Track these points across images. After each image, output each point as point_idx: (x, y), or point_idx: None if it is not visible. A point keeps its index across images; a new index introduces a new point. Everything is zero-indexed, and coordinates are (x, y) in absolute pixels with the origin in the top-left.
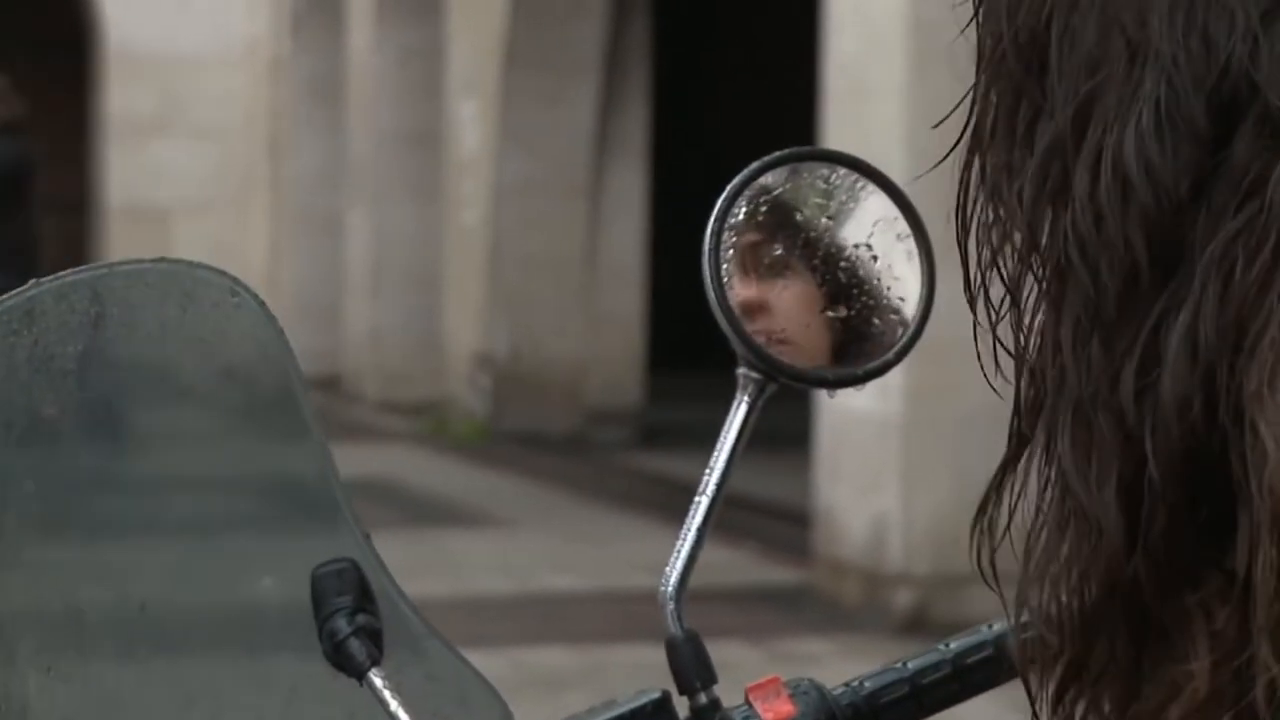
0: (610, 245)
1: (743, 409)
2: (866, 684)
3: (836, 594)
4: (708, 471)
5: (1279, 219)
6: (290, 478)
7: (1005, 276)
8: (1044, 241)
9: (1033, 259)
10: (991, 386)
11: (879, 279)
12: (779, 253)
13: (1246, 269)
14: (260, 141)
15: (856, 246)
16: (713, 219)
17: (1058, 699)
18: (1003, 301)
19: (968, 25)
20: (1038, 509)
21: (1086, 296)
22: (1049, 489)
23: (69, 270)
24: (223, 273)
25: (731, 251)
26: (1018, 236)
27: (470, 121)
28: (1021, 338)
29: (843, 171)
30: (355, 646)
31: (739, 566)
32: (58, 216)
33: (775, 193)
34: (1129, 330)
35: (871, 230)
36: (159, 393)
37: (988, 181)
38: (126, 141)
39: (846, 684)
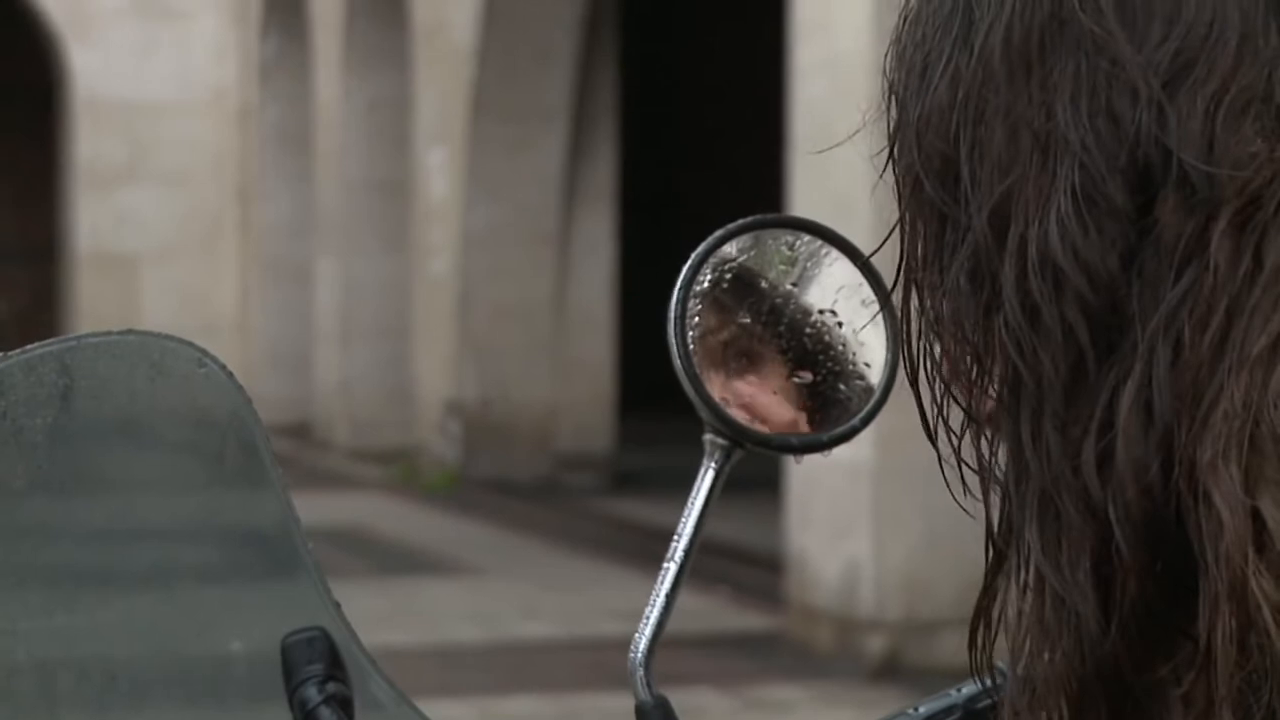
0: (579, 292)
1: (709, 475)
2: None
3: (808, 640)
4: (676, 538)
5: (1225, 286)
6: (261, 546)
7: (959, 399)
8: (984, 352)
9: (980, 373)
10: (962, 508)
11: (844, 345)
12: (745, 321)
13: (1197, 336)
14: (228, 189)
15: (821, 312)
16: (677, 287)
17: None
18: (963, 425)
19: (885, 168)
20: (1020, 612)
21: (1035, 390)
22: (1027, 591)
23: (36, 343)
24: (190, 344)
25: (697, 319)
26: (966, 358)
27: (438, 170)
28: (985, 454)
29: (806, 238)
30: (326, 715)
31: (711, 613)
32: (27, 263)
33: (739, 259)
34: (1083, 412)
35: (836, 296)
36: (128, 464)
37: (927, 312)
38: (95, 189)
39: None
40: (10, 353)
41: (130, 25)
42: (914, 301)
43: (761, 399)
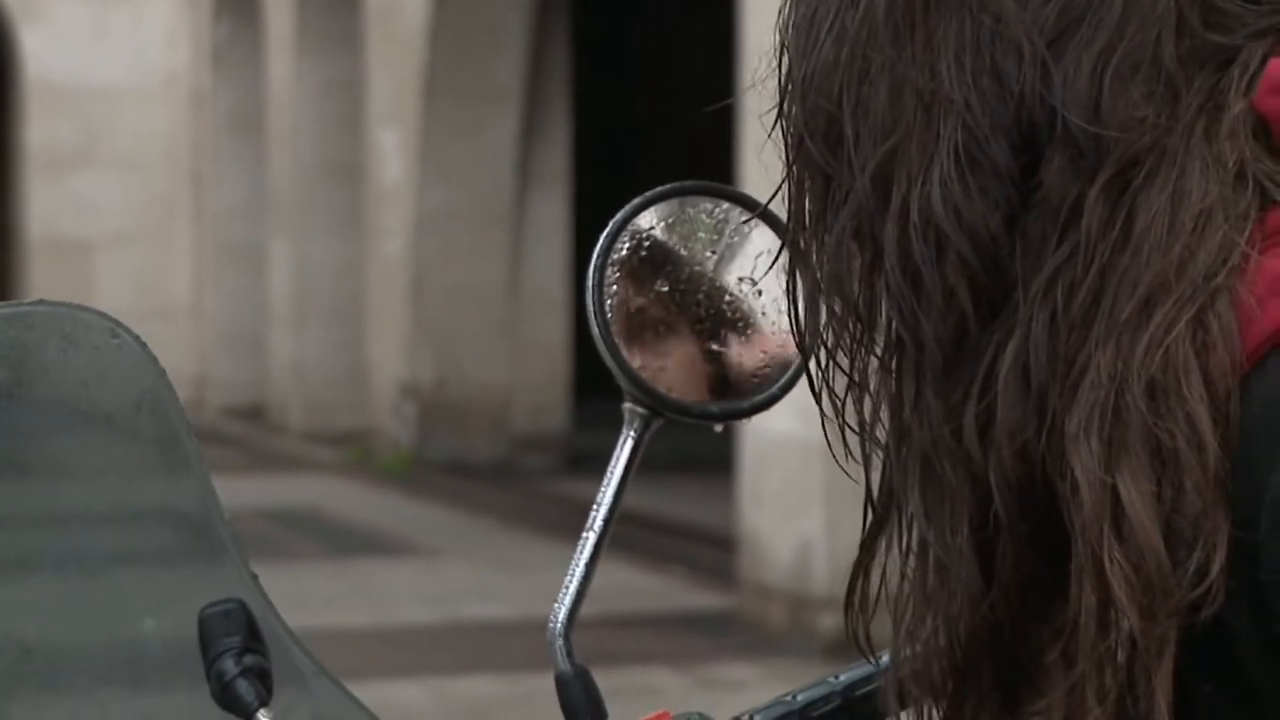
0: (533, 273)
1: (629, 444)
2: (756, 717)
3: (762, 618)
4: (595, 507)
5: (1098, 250)
6: (176, 517)
7: (840, 360)
8: (866, 313)
9: (863, 335)
10: (845, 472)
11: (764, 312)
12: (663, 290)
13: (1071, 301)
14: (182, 173)
15: (740, 281)
16: (595, 254)
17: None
18: (846, 387)
19: (773, 126)
20: (902, 576)
21: (916, 353)
22: (909, 555)
23: None
24: (103, 314)
25: (616, 287)
26: (849, 320)
27: (391, 152)
28: (866, 417)
29: (727, 206)
30: (243, 687)
31: (664, 592)
32: None
33: (659, 227)
34: (964, 375)
35: (755, 264)
36: (41, 435)
37: (812, 271)
38: (47, 174)
39: (736, 717)
40: None
41: (81, 8)
42: (802, 261)
43: (682, 368)
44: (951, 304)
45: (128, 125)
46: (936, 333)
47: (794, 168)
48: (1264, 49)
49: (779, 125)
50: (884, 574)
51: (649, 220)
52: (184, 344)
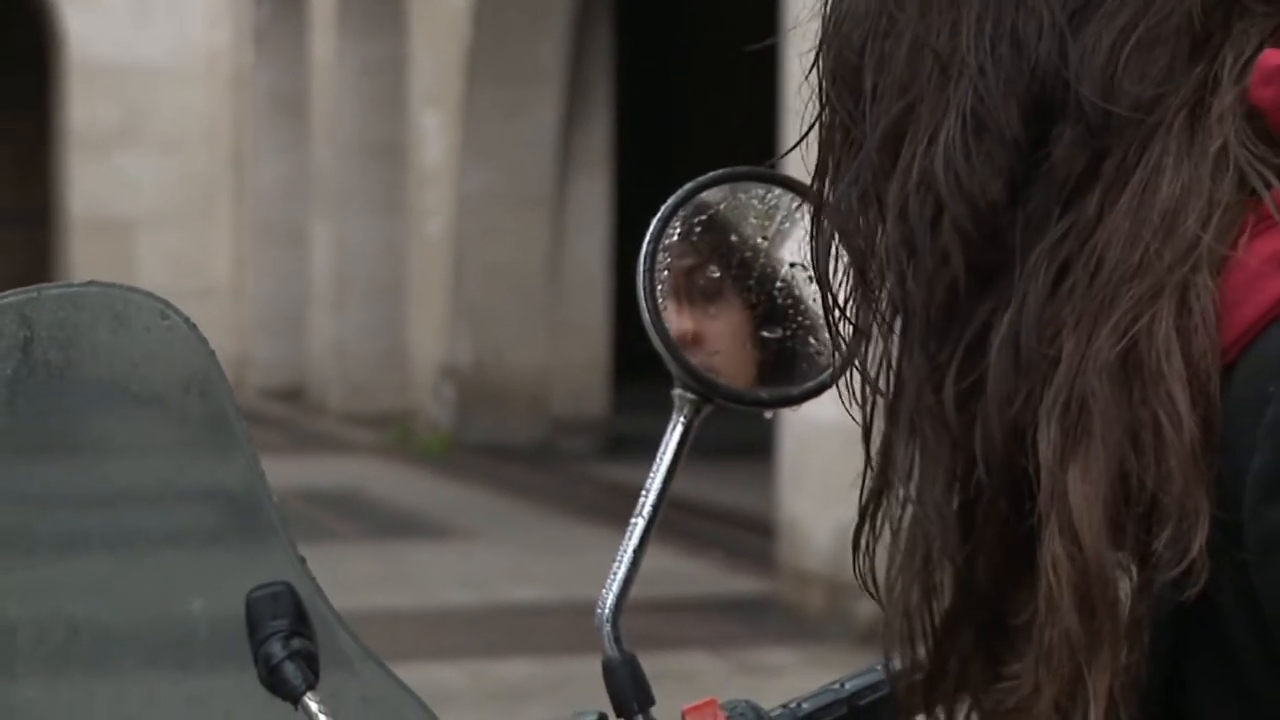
0: (574, 256)
1: (679, 430)
2: (804, 705)
3: (800, 604)
4: (644, 494)
5: (1094, 231)
6: (224, 497)
7: (848, 310)
8: (870, 269)
9: (866, 289)
10: (853, 418)
11: (815, 299)
12: (714, 276)
13: (1062, 280)
14: (223, 153)
15: (792, 266)
16: (647, 240)
17: (929, 712)
18: (855, 335)
19: (810, 69)
20: (894, 534)
21: (908, 312)
22: (902, 509)
23: None
24: (152, 295)
25: (667, 273)
26: (861, 266)
27: (433, 133)
28: (870, 366)
29: (778, 191)
30: (290, 670)
31: (703, 577)
32: (21, 228)
33: (711, 213)
34: (952, 338)
35: (807, 250)
36: (90, 415)
37: (834, 215)
38: (89, 153)
39: (784, 705)
40: None
41: None
42: (819, 209)
43: (732, 353)
44: (943, 268)
45: (169, 105)
46: (926, 296)
47: (821, 115)
48: (1259, 35)
49: (814, 69)
50: (882, 525)
51: (700, 206)
52: (224, 324)
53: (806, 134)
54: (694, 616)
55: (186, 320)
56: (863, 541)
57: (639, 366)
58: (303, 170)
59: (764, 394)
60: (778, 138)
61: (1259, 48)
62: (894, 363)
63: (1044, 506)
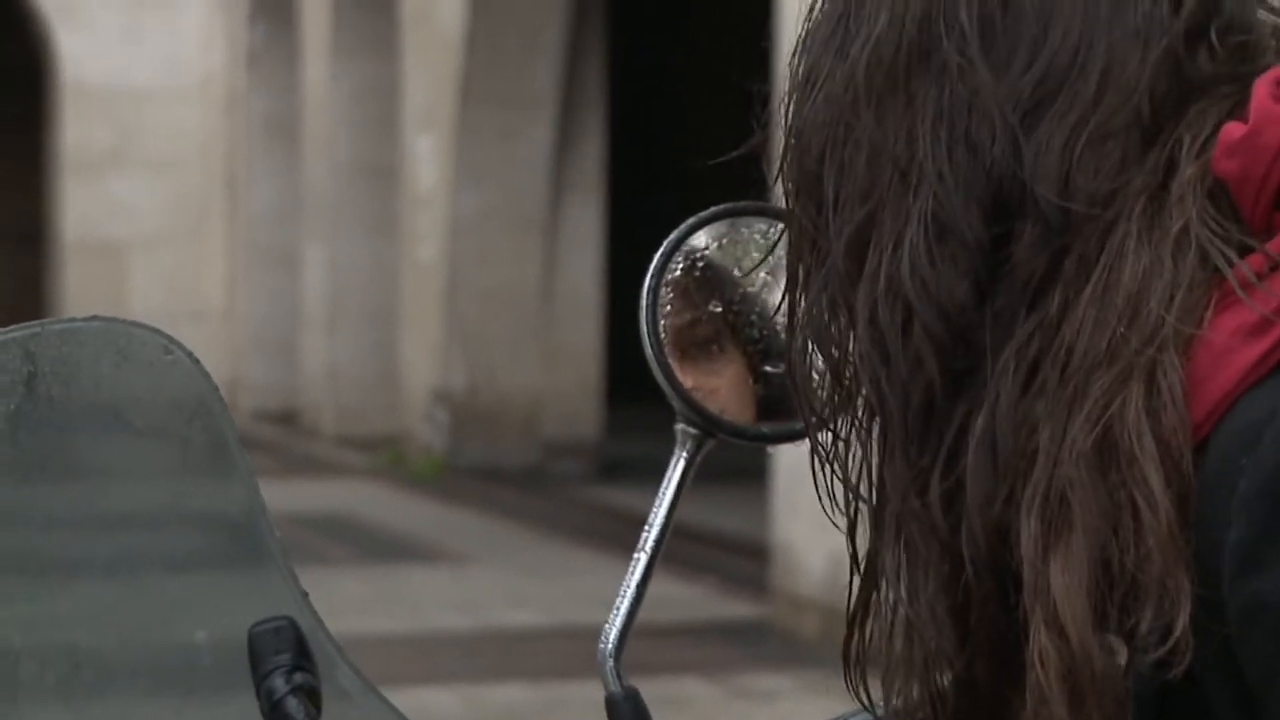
0: (567, 279)
1: (681, 464)
2: None
3: (795, 629)
4: (647, 528)
5: (1059, 327)
6: (228, 534)
7: (825, 416)
8: (844, 376)
9: (843, 395)
10: (834, 524)
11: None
12: (716, 310)
13: (1033, 376)
14: (216, 175)
15: None
16: (649, 275)
17: None
18: (835, 441)
19: (776, 177)
20: (888, 641)
21: (885, 418)
22: (893, 617)
23: None
24: (156, 330)
25: (669, 308)
26: (837, 374)
27: (426, 156)
28: (851, 473)
29: (780, 225)
30: (293, 705)
31: (697, 602)
32: (13, 250)
33: (713, 247)
34: (931, 444)
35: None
36: (94, 451)
37: (807, 324)
38: (82, 175)
39: None
40: None
41: (118, 10)
42: (796, 313)
43: (734, 389)
44: (918, 373)
45: (162, 127)
46: (903, 401)
47: (790, 224)
48: (1217, 114)
49: (779, 178)
50: (880, 626)
51: (702, 240)
52: (216, 347)
53: (775, 245)
54: (689, 642)
55: (190, 355)
56: (853, 652)
57: (632, 389)
58: (296, 193)
59: (766, 429)
60: (771, 162)
61: (1217, 126)
62: (875, 469)
63: (1029, 601)
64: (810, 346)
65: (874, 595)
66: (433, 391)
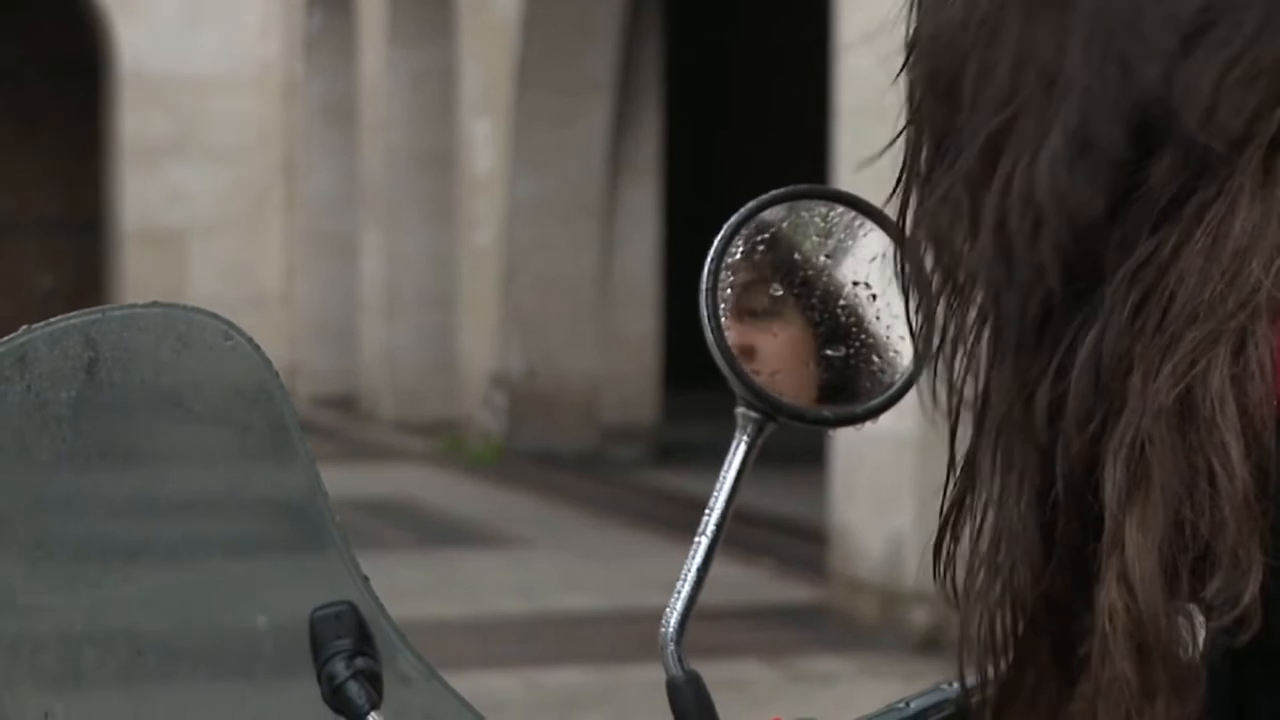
0: (624, 264)
1: (742, 448)
2: None
3: (853, 612)
4: (707, 512)
5: (1174, 261)
6: (288, 519)
7: (936, 316)
8: (961, 277)
9: (956, 296)
10: (931, 423)
11: (878, 317)
12: (777, 294)
13: (1143, 307)
14: (274, 163)
15: (855, 285)
16: (710, 258)
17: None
18: (943, 341)
19: (899, 73)
20: (974, 542)
21: (1000, 325)
22: (984, 517)
23: (61, 316)
24: (216, 316)
25: (729, 291)
26: (945, 279)
27: (483, 142)
28: (957, 374)
29: (840, 209)
30: (354, 690)
31: (755, 585)
32: (72, 238)
33: (773, 231)
34: (1044, 353)
35: (870, 268)
36: (154, 437)
37: (921, 223)
38: (141, 163)
39: None
40: (34, 326)
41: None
42: (910, 211)
43: (795, 372)
44: (1039, 284)
45: (221, 115)
46: (1020, 310)
47: (912, 121)
48: None
49: (902, 77)
50: (961, 533)
51: (762, 224)
52: (275, 333)
53: (891, 144)
54: (746, 625)
55: (250, 340)
56: (944, 550)
57: (689, 375)
58: (353, 179)
59: (827, 412)
60: (828, 146)
61: None
62: (982, 374)
63: (1105, 548)
64: (924, 248)
65: (968, 498)
66: (491, 376)
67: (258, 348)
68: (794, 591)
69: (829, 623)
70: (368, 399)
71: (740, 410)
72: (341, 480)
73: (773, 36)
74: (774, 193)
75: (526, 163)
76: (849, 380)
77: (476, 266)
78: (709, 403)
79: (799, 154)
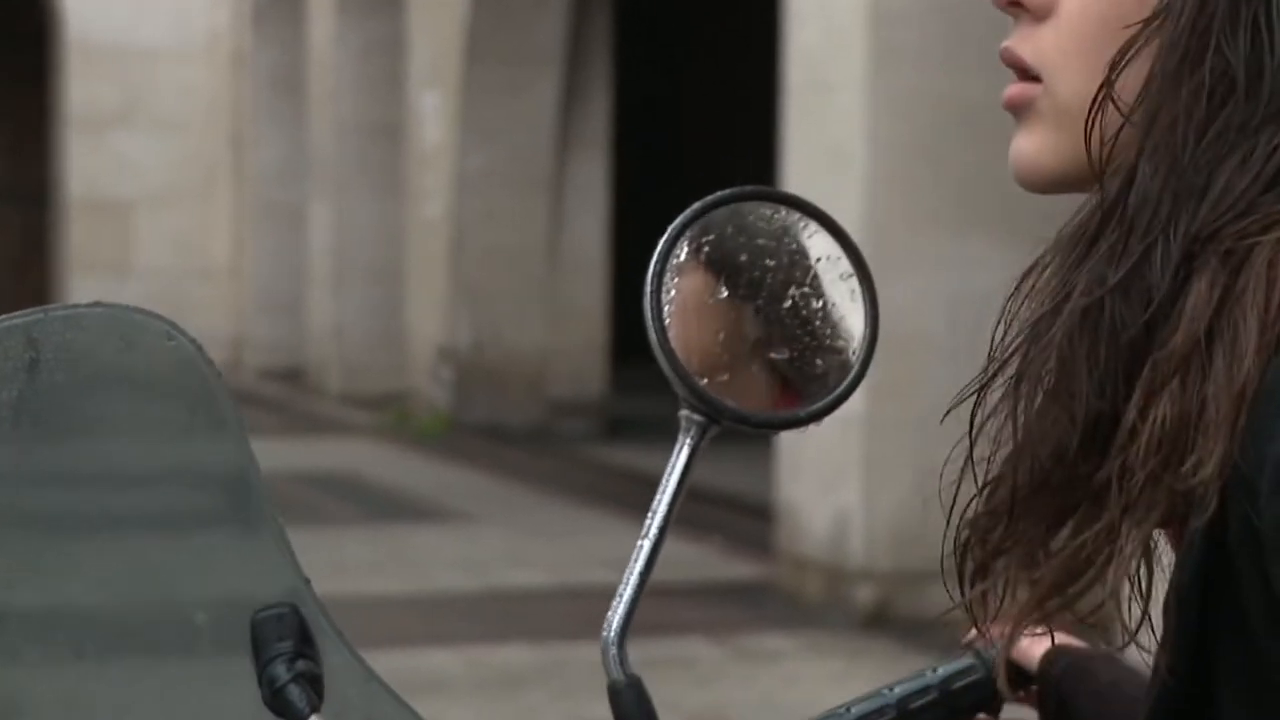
0: (573, 237)
1: (685, 451)
2: (853, 709)
3: (798, 590)
4: (650, 514)
5: None
6: (233, 521)
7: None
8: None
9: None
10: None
11: (822, 319)
12: (722, 296)
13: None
14: (222, 134)
15: (799, 287)
16: (654, 260)
17: (981, 570)
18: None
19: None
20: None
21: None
22: (1018, 400)
23: (3, 315)
24: (158, 316)
25: (674, 293)
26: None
27: (432, 114)
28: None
29: (785, 211)
30: (294, 693)
31: (702, 561)
32: (19, 208)
33: (718, 233)
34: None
35: (814, 270)
36: (96, 436)
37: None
38: (87, 134)
39: (833, 710)
40: None
41: None
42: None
43: (739, 374)
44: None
45: (168, 85)
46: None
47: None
48: None
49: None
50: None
51: (707, 226)
52: (222, 305)
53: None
54: (692, 602)
55: (192, 341)
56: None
57: (638, 349)
58: (302, 151)
59: (771, 416)
60: (776, 120)
61: None
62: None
63: (1184, 347)
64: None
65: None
66: (438, 349)
67: (200, 348)
68: (740, 568)
69: (775, 600)
70: (315, 372)
71: (684, 413)
72: (288, 454)
73: (723, 7)
74: (718, 194)
75: (475, 134)
76: (794, 382)
77: (424, 239)
78: (657, 377)
79: (752, 126)
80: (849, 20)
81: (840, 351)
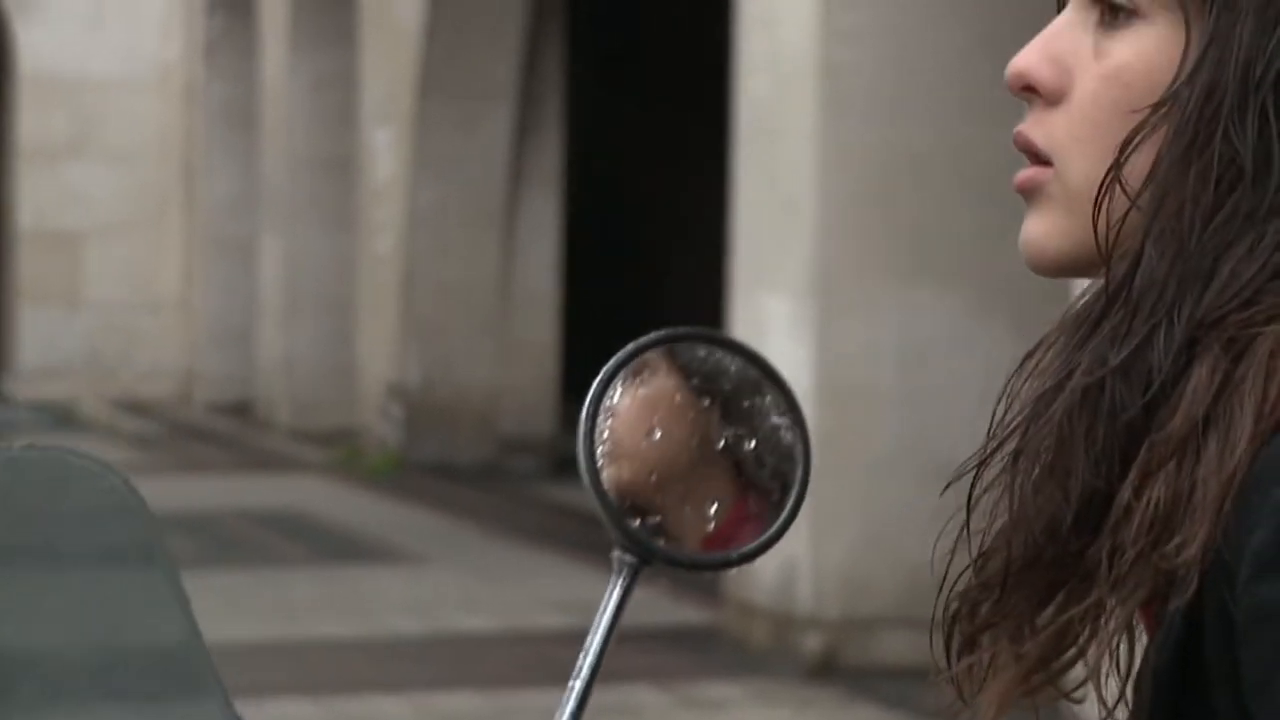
0: (524, 273)
1: (617, 592)
2: None
3: (745, 636)
4: (582, 654)
5: None
6: (163, 659)
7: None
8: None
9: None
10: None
11: (755, 460)
12: (655, 437)
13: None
14: (174, 166)
15: (733, 427)
16: (588, 401)
17: (969, 643)
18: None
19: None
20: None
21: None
22: (1014, 476)
23: None
24: (94, 458)
25: (607, 434)
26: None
27: (384, 148)
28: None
29: (720, 353)
30: None
31: (648, 606)
32: None
33: (652, 374)
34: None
35: (747, 411)
36: (28, 580)
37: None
38: (39, 164)
39: None
40: None
41: (76, 0)
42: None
43: (672, 514)
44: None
45: (120, 117)
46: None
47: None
48: None
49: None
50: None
51: (641, 368)
52: (172, 338)
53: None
54: (639, 648)
55: (126, 482)
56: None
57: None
58: (253, 184)
59: (702, 556)
60: (724, 154)
61: None
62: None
63: (1181, 430)
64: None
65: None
66: (388, 385)
67: (134, 489)
68: (687, 614)
69: (721, 647)
70: (265, 406)
71: (616, 554)
72: (236, 491)
73: (677, 49)
74: (652, 335)
75: (428, 170)
76: (726, 523)
77: (376, 274)
78: None
79: (703, 164)
80: (799, 69)
81: (772, 492)
